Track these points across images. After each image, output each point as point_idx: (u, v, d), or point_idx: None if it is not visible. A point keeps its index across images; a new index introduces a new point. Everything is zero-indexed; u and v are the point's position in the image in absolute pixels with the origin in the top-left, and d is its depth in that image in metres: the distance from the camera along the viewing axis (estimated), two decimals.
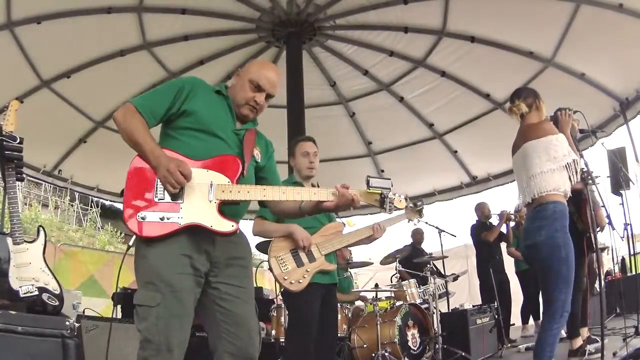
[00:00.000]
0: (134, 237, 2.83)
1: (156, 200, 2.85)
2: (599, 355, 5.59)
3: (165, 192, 2.85)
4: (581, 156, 5.33)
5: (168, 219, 2.83)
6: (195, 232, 2.89)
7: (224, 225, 2.91)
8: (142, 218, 2.81)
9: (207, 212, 2.90)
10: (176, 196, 2.86)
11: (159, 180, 2.86)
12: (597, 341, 6.00)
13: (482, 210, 10.05)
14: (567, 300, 4.41)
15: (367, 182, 3.13)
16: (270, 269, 4.36)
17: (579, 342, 5.84)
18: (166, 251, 2.83)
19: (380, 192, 3.12)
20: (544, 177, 4.61)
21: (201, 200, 2.91)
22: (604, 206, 6.18)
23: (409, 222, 5.24)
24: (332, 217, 4.96)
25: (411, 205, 5.10)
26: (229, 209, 2.99)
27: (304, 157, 4.84)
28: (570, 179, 4.62)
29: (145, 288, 2.83)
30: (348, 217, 10.31)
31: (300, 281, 4.32)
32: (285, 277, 4.29)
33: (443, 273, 9.22)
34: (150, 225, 2.81)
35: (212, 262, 2.99)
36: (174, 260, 2.84)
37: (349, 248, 9.39)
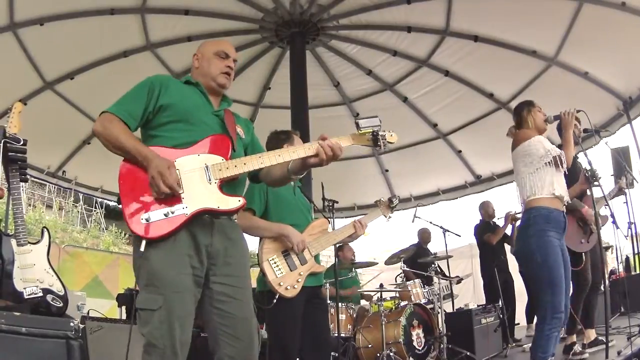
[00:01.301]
0: (143, 241, 2.76)
1: (156, 198, 2.82)
2: (584, 356, 5.64)
3: None
4: (585, 155, 5.36)
5: (173, 212, 2.80)
6: (195, 227, 2.88)
7: (230, 202, 2.93)
8: (147, 219, 2.76)
9: (210, 194, 2.90)
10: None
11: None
12: (595, 344, 6.05)
13: (486, 209, 10.00)
14: (556, 301, 4.44)
15: (357, 124, 3.16)
16: (263, 274, 4.14)
17: (573, 339, 5.89)
18: (166, 251, 2.79)
19: (371, 130, 3.14)
20: (524, 183, 4.78)
21: (201, 184, 2.90)
22: (607, 205, 6.18)
23: (385, 217, 5.24)
24: (311, 216, 4.85)
25: (386, 201, 5.18)
26: (229, 186, 3.01)
27: None
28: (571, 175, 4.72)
29: (146, 290, 2.80)
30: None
31: (295, 286, 4.15)
32: (281, 283, 4.09)
33: (447, 274, 9.22)
34: (156, 225, 2.77)
35: (210, 259, 2.95)
36: (174, 259, 2.80)
37: (352, 248, 9.43)
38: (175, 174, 2.81)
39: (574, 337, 5.89)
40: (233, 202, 2.93)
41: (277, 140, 4.59)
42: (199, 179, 2.90)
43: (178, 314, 2.76)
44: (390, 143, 3.24)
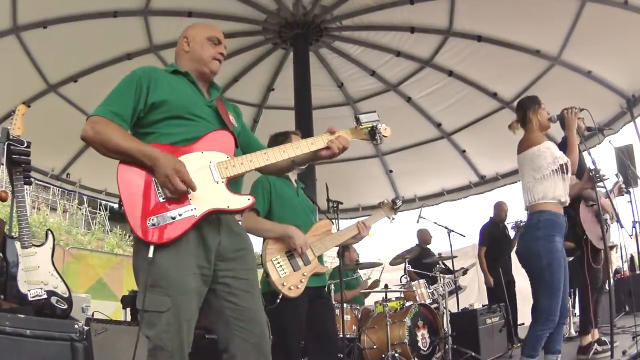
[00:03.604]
0: (151, 247, 2.61)
1: (162, 200, 2.67)
2: (606, 354, 5.59)
3: None
4: (589, 154, 5.34)
5: (181, 215, 2.66)
6: (202, 227, 2.76)
7: (239, 201, 2.82)
8: (154, 224, 2.62)
9: (218, 194, 2.77)
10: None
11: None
12: (607, 342, 5.99)
13: (500, 210, 9.86)
14: (553, 305, 4.48)
15: (357, 119, 3.20)
16: (267, 274, 4.13)
17: (588, 339, 5.83)
18: (173, 253, 2.66)
19: (371, 125, 3.19)
20: (531, 188, 4.79)
21: (208, 184, 2.76)
22: (612, 204, 6.15)
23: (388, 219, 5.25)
24: (314, 217, 4.88)
25: (390, 203, 5.19)
26: (235, 184, 2.91)
27: None
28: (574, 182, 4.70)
29: (151, 292, 2.65)
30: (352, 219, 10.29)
31: (299, 286, 4.15)
32: (284, 283, 4.08)
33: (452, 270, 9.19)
34: (164, 229, 2.63)
35: (218, 256, 2.84)
36: (181, 261, 2.68)
37: (356, 249, 9.42)
38: (185, 174, 2.67)
39: (590, 337, 5.84)
40: (242, 201, 2.82)
41: (275, 143, 4.60)
42: (206, 178, 2.76)
43: (186, 316, 2.68)
44: (385, 137, 3.23)
